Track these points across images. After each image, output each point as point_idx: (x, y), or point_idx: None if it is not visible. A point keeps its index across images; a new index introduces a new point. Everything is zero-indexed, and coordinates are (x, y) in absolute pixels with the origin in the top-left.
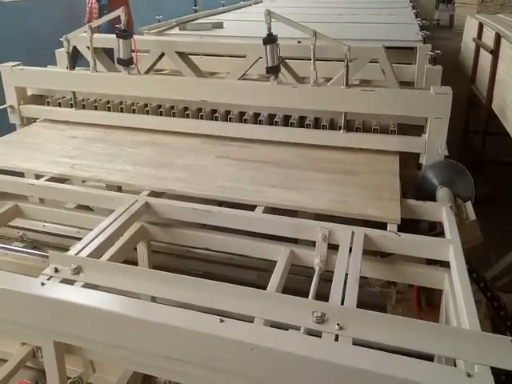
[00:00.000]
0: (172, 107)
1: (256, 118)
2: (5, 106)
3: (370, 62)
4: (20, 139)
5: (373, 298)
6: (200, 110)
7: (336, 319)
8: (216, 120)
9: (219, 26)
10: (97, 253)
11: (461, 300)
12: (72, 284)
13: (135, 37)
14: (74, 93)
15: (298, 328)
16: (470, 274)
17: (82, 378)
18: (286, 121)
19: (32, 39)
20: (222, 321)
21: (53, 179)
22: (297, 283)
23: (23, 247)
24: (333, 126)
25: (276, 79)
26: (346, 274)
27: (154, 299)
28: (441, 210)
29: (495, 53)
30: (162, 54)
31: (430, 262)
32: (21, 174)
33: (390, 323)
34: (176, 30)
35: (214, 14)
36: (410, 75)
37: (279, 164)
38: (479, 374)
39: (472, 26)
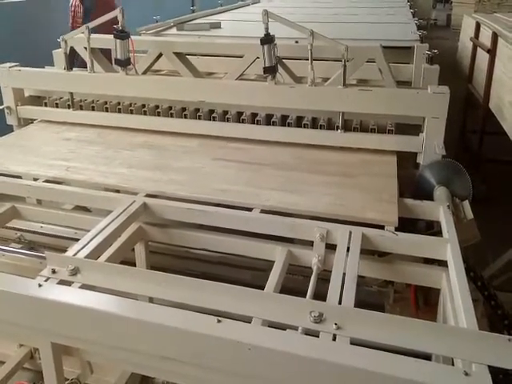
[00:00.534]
0: (170, 108)
1: (254, 118)
2: (2, 107)
3: (368, 62)
4: (15, 142)
5: (370, 297)
6: (198, 110)
7: (334, 319)
8: (214, 120)
9: (217, 26)
10: (94, 254)
11: (458, 299)
12: (69, 285)
13: (133, 37)
14: (71, 94)
15: (295, 328)
16: (468, 273)
17: (79, 380)
18: (284, 121)
19: (32, 39)
20: (219, 321)
21: (48, 182)
22: (294, 283)
23: (20, 248)
24: (330, 125)
25: (273, 79)
26: (344, 274)
27: (151, 300)
28: (438, 209)
29: (492, 52)
30: (160, 55)
31: (428, 261)
32: (18, 176)
33: (387, 322)
34: (173, 31)
35: (211, 15)
36: (407, 75)
37: (276, 166)
38: (477, 372)
39: (469, 26)
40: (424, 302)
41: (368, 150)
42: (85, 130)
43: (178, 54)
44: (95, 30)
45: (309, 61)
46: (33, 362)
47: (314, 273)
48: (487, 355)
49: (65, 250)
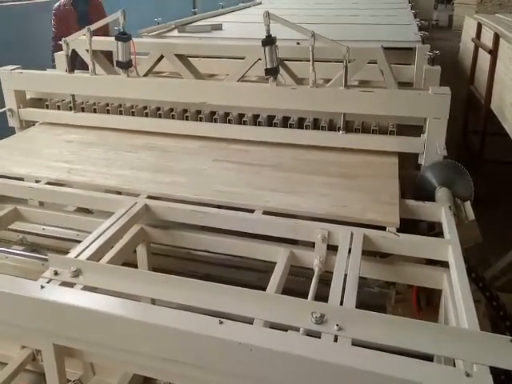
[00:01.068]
0: (171, 109)
1: (255, 120)
2: (4, 109)
3: (369, 63)
4: (17, 144)
5: (372, 298)
6: (199, 112)
7: (335, 320)
8: (215, 122)
9: (218, 27)
10: (96, 255)
11: (460, 300)
12: (71, 287)
13: (134, 39)
14: (73, 96)
15: (297, 329)
16: (469, 274)
17: (81, 381)
18: (285, 122)
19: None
20: (221, 322)
21: (50, 184)
22: (296, 284)
23: (23, 250)
24: (332, 127)
25: (275, 81)
26: (346, 275)
27: (153, 301)
28: (440, 210)
29: (494, 53)
30: (161, 57)
31: (429, 262)
32: (20, 178)
33: (389, 323)
34: (175, 33)
35: (212, 16)
36: (408, 76)
37: (278, 167)
38: (478, 373)
39: (471, 26)
40: (425, 303)
41: (369, 151)
42: (86, 131)
43: (180, 56)
44: None
45: (310, 62)
46: (35, 363)
47: (315, 274)
48: (489, 356)
49: (67, 252)
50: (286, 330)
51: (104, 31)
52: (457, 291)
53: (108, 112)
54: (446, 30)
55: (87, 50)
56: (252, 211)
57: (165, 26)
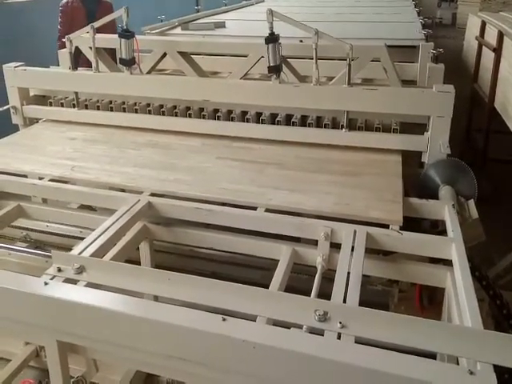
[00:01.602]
0: (174, 107)
1: (258, 118)
2: (8, 106)
3: (372, 61)
4: (21, 141)
5: (375, 296)
6: (202, 109)
7: (338, 317)
8: (218, 119)
9: (221, 25)
10: (99, 252)
11: (463, 298)
12: (75, 283)
13: (137, 37)
14: (76, 93)
15: (300, 326)
16: (473, 273)
17: (85, 378)
18: (288, 120)
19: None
20: (224, 319)
21: (53, 181)
22: (299, 282)
23: (26, 247)
24: (335, 124)
25: (278, 78)
26: (349, 273)
27: (156, 298)
28: (443, 209)
29: (498, 51)
30: (164, 54)
31: (433, 261)
32: (24, 175)
33: (392, 321)
34: (178, 30)
35: (216, 14)
36: (412, 74)
37: (281, 165)
38: (481, 371)
39: (474, 25)
40: (429, 301)
41: (373, 149)
42: (90, 129)
43: (183, 54)
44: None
45: (313, 60)
46: (38, 359)
47: (318, 272)
48: (492, 354)
49: (70, 249)
50: (289, 328)
51: (112, 31)
52: (460, 289)
53: (111, 109)
54: (450, 28)
55: (90, 48)
56: (255, 209)
57: (168, 24)
